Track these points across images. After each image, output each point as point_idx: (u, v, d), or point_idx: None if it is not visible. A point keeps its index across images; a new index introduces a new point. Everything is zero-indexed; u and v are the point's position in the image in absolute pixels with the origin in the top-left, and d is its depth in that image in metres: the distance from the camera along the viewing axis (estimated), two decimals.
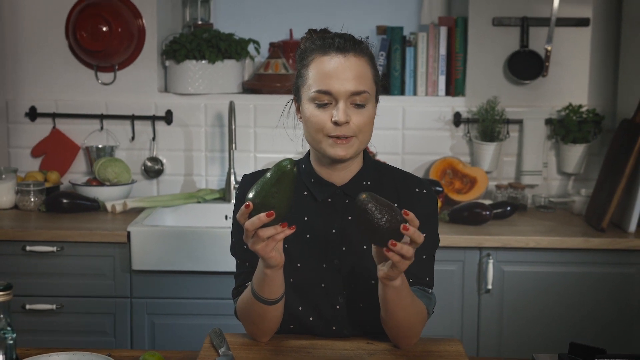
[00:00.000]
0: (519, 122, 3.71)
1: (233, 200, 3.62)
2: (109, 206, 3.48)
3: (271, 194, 1.67)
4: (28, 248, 3.16)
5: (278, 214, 1.68)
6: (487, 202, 3.52)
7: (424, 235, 1.94)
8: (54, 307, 3.18)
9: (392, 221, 1.65)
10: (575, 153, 3.65)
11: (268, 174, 1.69)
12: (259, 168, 3.76)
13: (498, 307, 3.20)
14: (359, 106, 1.87)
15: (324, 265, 1.93)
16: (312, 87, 1.88)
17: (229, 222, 3.60)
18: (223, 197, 3.67)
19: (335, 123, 1.85)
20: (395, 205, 1.91)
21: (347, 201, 1.96)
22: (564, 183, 3.78)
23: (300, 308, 1.96)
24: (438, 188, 3.50)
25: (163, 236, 3.14)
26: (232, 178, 3.64)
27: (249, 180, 2.01)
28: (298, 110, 1.97)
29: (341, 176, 1.96)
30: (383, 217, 1.64)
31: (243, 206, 1.69)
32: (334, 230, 1.95)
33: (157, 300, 3.18)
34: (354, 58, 1.88)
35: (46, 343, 3.18)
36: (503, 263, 3.18)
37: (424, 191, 1.99)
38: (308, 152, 2.02)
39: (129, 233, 3.14)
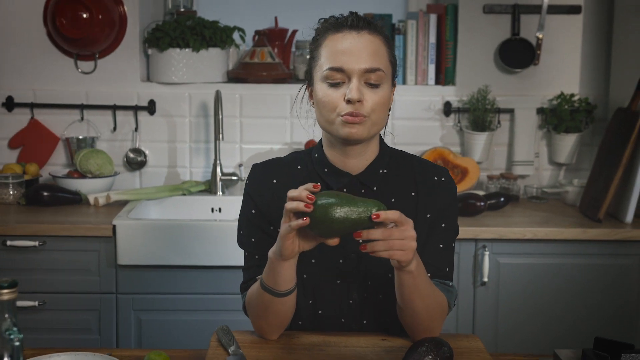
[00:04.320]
0: (510, 111, 3.65)
1: (219, 193, 3.54)
2: (91, 199, 3.36)
3: (338, 205, 1.61)
4: (9, 243, 3.04)
5: (323, 232, 1.63)
6: (481, 192, 3.45)
7: (443, 225, 1.87)
8: (36, 304, 3.06)
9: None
10: (568, 143, 3.60)
11: (356, 199, 1.62)
12: (245, 159, 3.66)
13: (494, 300, 3.13)
14: (374, 85, 1.79)
15: (341, 261, 1.85)
16: (324, 66, 1.80)
17: (216, 215, 3.51)
18: (209, 189, 3.57)
19: (349, 101, 1.76)
20: (413, 194, 1.84)
21: (363, 190, 1.88)
22: (556, 173, 3.72)
23: (310, 301, 1.88)
24: None
25: (150, 230, 3.03)
26: (218, 169, 3.54)
27: (259, 170, 1.94)
28: (311, 95, 1.89)
29: (356, 164, 1.87)
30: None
31: (312, 185, 1.64)
32: None
33: (143, 295, 3.08)
34: (368, 35, 1.80)
35: (29, 342, 3.04)
36: (499, 255, 3.12)
37: (443, 179, 1.92)
38: (320, 141, 1.93)
39: (114, 227, 3.03)
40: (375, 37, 1.81)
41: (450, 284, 1.89)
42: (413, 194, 1.89)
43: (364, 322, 1.89)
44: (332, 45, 1.80)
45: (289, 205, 1.63)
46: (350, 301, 1.87)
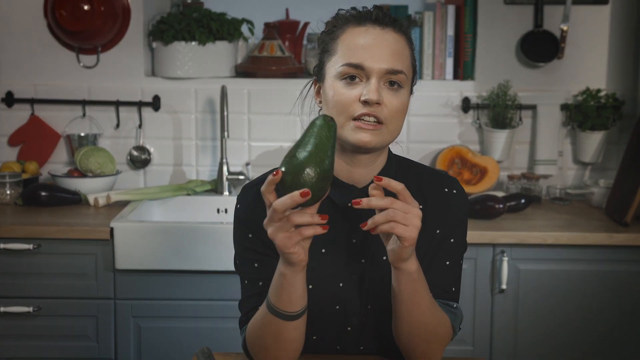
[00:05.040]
0: (533, 107, 3.48)
1: (226, 193, 3.40)
2: (91, 199, 3.23)
3: (306, 164, 1.39)
4: (2, 246, 2.91)
5: (314, 194, 1.40)
6: (500, 194, 3.28)
7: (452, 240, 1.70)
8: (30, 309, 2.94)
9: None
10: (593, 141, 3.42)
11: (304, 142, 1.41)
12: (253, 157, 3.51)
13: (513, 308, 2.97)
14: (394, 87, 1.61)
15: (341, 285, 1.67)
16: (341, 61, 1.62)
17: (222, 217, 3.36)
18: (215, 188, 3.43)
19: (365, 102, 1.58)
20: (421, 207, 1.64)
21: None
22: (580, 173, 3.54)
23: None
24: None
25: (150, 232, 2.89)
26: (225, 168, 3.40)
27: (251, 194, 1.72)
28: (318, 92, 1.71)
29: (362, 175, 1.68)
30: None
31: (270, 175, 1.42)
32: (354, 241, 1.68)
33: (143, 301, 2.95)
34: (393, 33, 1.62)
35: (23, 349, 2.96)
36: (518, 261, 2.95)
37: (454, 191, 1.74)
38: None
39: (112, 229, 2.89)
40: (400, 37, 1.64)
41: (455, 305, 1.71)
42: (421, 207, 1.70)
43: (361, 347, 1.72)
44: (351, 39, 1.62)
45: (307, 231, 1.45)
46: (349, 328, 1.70)
